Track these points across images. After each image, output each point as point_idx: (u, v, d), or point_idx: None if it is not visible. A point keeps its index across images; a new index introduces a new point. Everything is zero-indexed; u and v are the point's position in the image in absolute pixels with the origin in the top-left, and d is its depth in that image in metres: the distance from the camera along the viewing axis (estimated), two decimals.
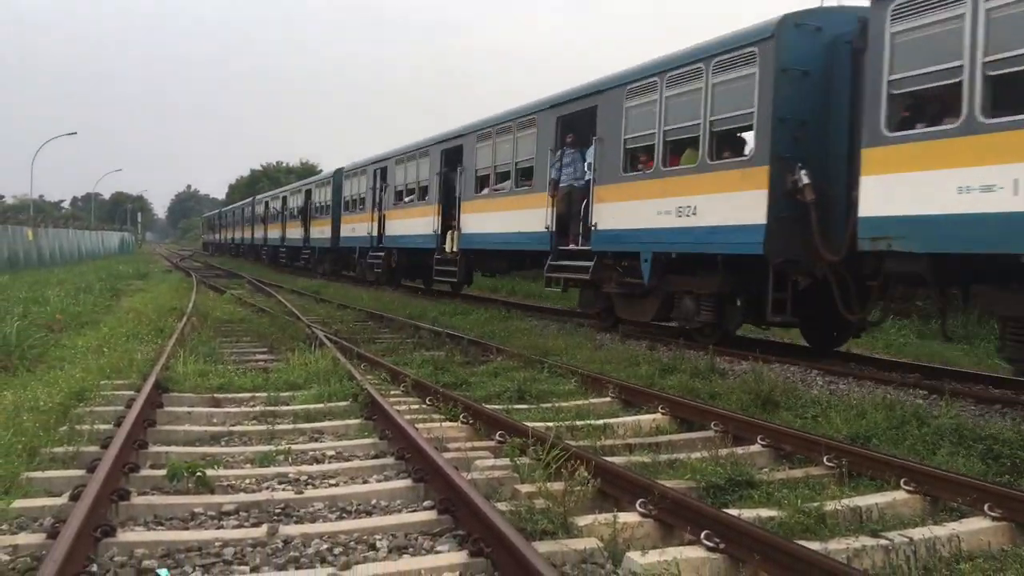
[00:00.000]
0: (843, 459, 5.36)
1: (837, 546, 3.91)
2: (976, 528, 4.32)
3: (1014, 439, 5.81)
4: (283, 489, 4.89)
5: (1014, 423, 6.55)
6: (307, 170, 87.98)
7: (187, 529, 4.21)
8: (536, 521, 4.10)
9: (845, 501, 4.60)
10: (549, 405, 7.37)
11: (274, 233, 41.71)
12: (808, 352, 11.37)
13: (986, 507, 4.47)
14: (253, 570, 3.64)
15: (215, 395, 7.46)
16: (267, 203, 44.63)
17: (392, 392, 7.83)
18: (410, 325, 13.57)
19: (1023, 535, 4.35)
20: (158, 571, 3.60)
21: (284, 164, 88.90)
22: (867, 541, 4.01)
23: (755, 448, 5.96)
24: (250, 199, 54.30)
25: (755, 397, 7.56)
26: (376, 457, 5.70)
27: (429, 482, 4.80)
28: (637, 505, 4.34)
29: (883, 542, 4.02)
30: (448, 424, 6.46)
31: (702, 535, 3.91)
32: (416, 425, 5.95)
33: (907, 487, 4.88)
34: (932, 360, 11.76)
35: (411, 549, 3.99)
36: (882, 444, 6.05)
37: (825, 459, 5.45)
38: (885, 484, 5.02)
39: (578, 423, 6.58)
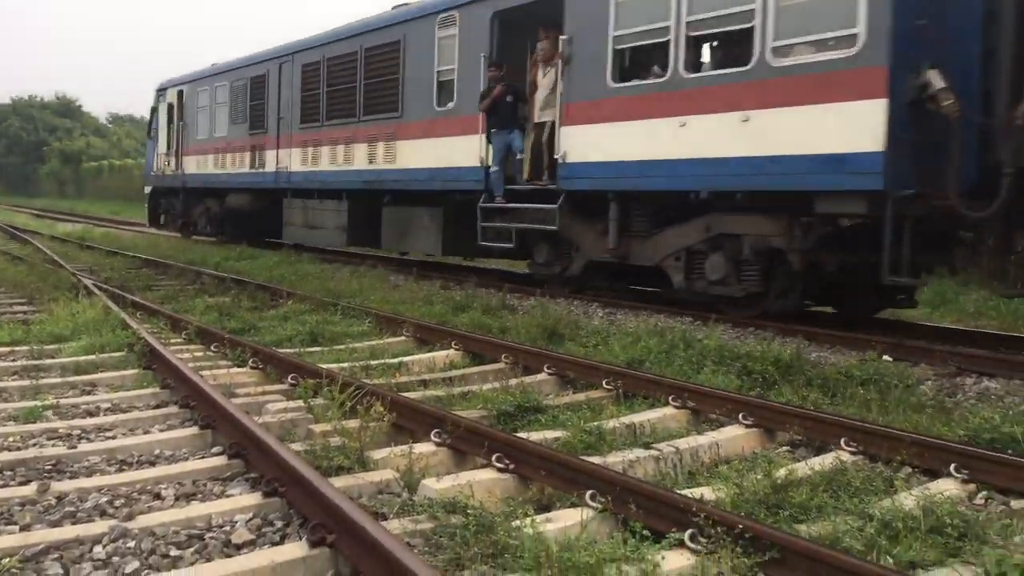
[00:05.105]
0: (619, 381, 5.79)
1: (614, 459, 4.25)
2: (732, 435, 4.85)
3: (765, 356, 6.52)
4: (53, 445, 4.53)
5: (764, 343, 7.32)
6: (64, 106, 79.74)
7: None
8: (332, 458, 4.10)
9: (622, 419, 5.00)
10: (343, 347, 7.32)
11: None
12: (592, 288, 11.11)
13: (740, 416, 5.02)
14: (23, 529, 3.37)
15: None
16: None
17: (173, 340, 7.43)
18: (191, 271, 12.87)
19: (771, 439, 4.94)
20: None
21: (39, 98, 79.80)
22: (640, 453, 4.40)
23: (542, 376, 6.29)
24: None
25: (542, 330, 7.94)
26: (158, 407, 5.41)
27: (217, 428, 4.64)
28: (432, 435, 4.46)
29: (654, 453, 4.42)
30: (236, 370, 6.25)
31: (493, 458, 4.10)
32: (201, 372, 5.70)
33: (674, 403, 5.37)
34: None
35: (200, 495, 3.86)
36: (654, 366, 6.57)
37: (604, 383, 5.86)
38: (656, 402, 5.49)
39: (373, 363, 6.60)
